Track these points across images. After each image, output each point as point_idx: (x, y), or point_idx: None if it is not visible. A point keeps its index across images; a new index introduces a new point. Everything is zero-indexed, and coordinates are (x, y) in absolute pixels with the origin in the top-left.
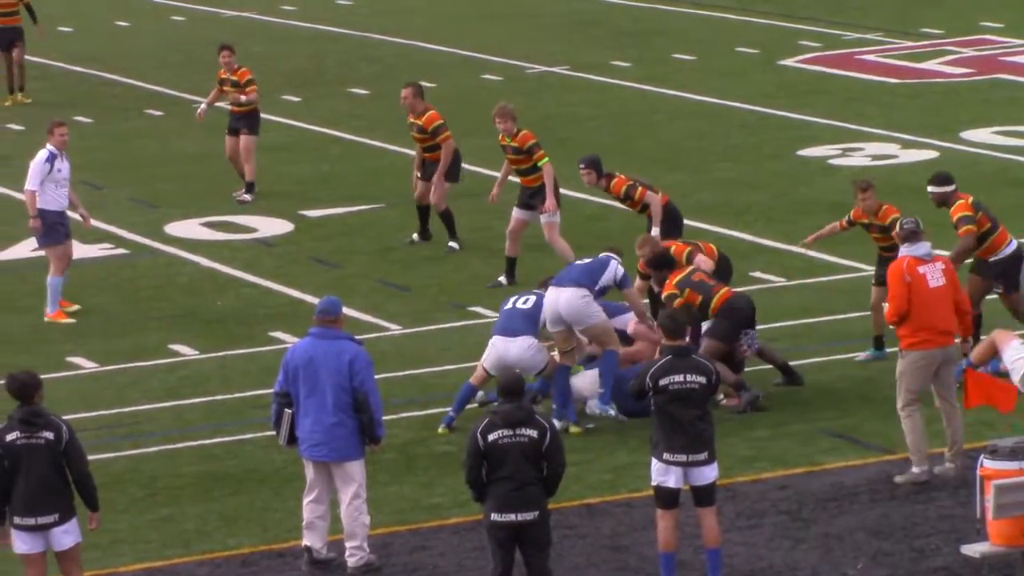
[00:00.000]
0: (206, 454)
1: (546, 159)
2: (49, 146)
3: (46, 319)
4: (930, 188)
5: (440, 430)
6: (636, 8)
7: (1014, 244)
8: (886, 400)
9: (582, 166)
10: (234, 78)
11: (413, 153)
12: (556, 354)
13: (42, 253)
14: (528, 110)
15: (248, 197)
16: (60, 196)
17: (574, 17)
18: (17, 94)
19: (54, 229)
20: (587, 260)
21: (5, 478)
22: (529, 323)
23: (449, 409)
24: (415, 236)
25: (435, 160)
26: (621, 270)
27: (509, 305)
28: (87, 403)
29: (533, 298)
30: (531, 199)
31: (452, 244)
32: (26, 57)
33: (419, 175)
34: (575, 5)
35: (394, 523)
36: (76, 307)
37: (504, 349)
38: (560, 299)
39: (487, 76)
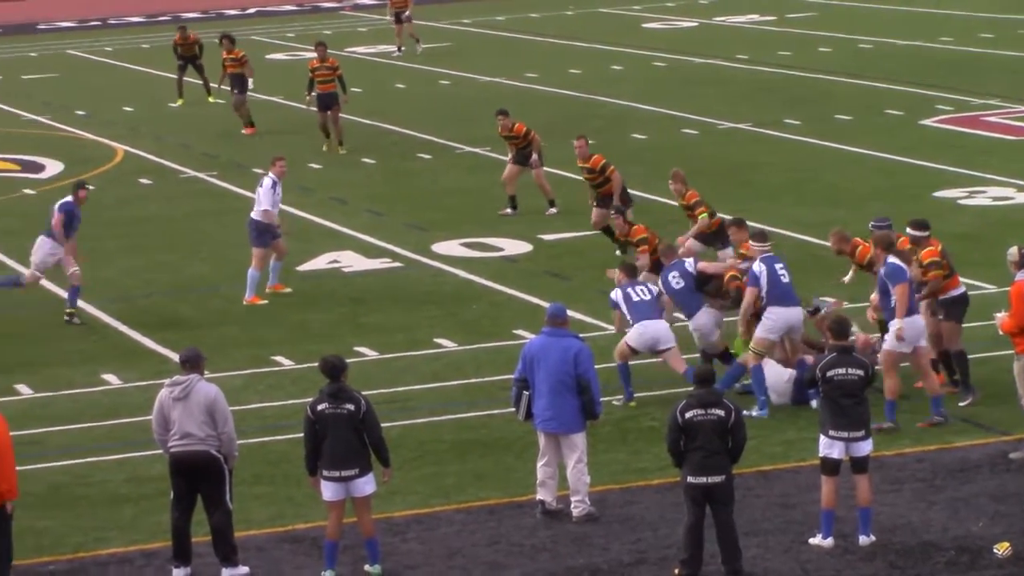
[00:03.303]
0: (463, 425)
1: (704, 214)
2: (271, 174)
3: (244, 303)
4: (909, 231)
5: (631, 404)
6: (806, 78)
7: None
8: (1005, 393)
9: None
10: (513, 135)
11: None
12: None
13: (339, 264)
14: (717, 158)
15: (553, 212)
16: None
17: (757, 84)
18: (336, 146)
19: (264, 235)
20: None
21: (317, 439)
22: (658, 309)
23: (625, 388)
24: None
25: (608, 193)
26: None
27: (636, 298)
28: (370, 383)
29: (648, 288)
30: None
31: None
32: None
33: (595, 204)
34: (758, 75)
35: (609, 482)
36: (288, 290)
37: (655, 329)
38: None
39: (686, 130)
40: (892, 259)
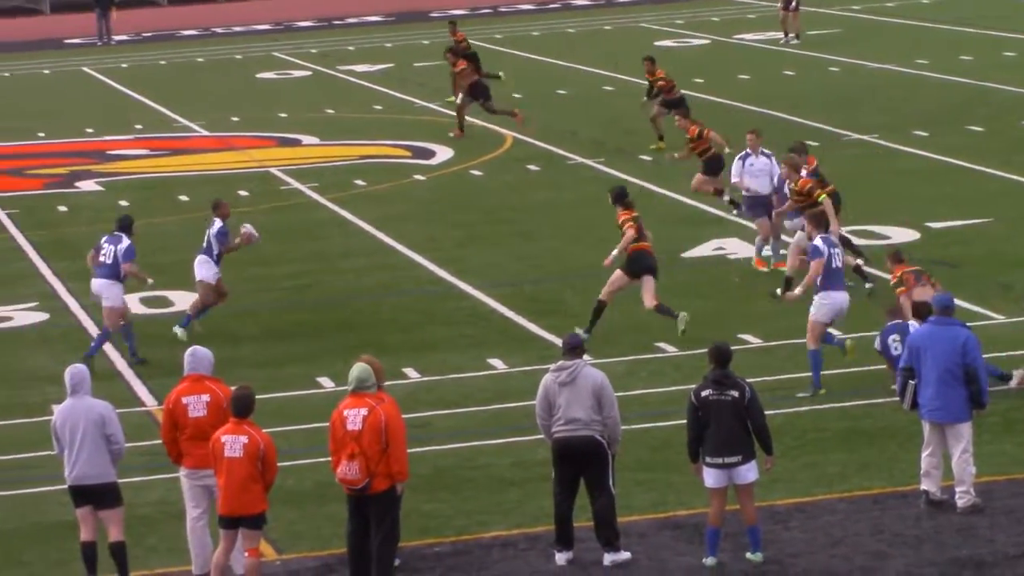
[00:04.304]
0: (846, 414)
1: (823, 196)
2: (748, 149)
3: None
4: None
5: (821, 391)
6: None
7: None
8: None
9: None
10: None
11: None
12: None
13: (724, 251)
14: None
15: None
16: (759, 185)
17: None
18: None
19: (757, 207)
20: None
21: (700, 426)
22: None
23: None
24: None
25: (712, 158)
26: None
27: (835, 264)
28: (753, 371)
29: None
30: None
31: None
32: (711, 98)
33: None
34: None
35: (995, 473)
36: (764, 268)
37: (843, 299)
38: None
39: None
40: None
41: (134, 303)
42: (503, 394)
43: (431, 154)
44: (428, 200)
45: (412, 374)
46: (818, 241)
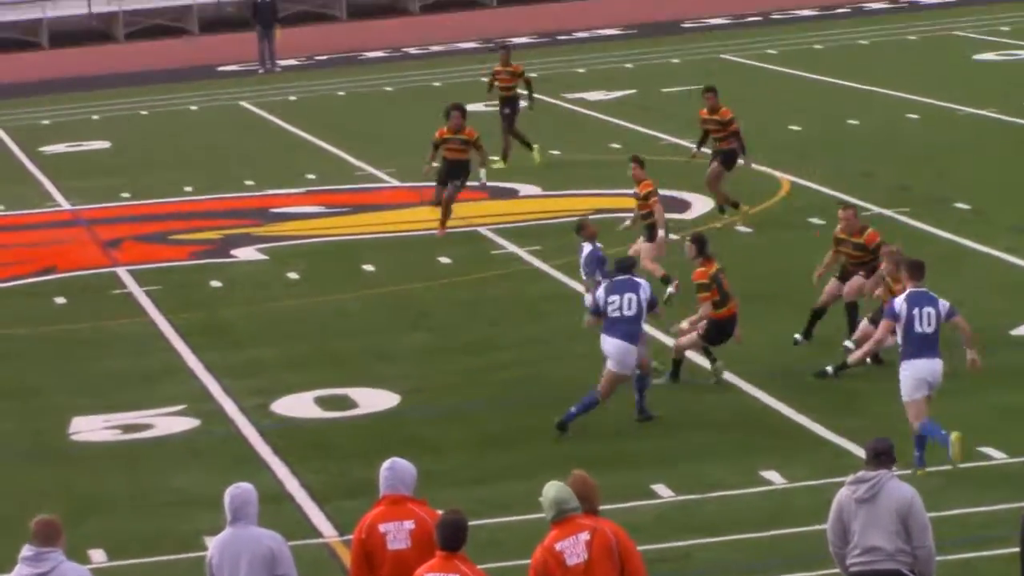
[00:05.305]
0: None
1: None
2: None
3: None
4: None
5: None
6: None
7: None
8: None
9: None
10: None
11: None
12: None
13: None
14: None
15: None
16: None
17: None
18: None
19: None
20: None
21: None
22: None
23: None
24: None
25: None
26: None
27: (919, 330)
28: None
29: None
30: None
31: None
32: None
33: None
34: None
35: None
36: None
37: (934, 368)
38: None
39: None
40: None
41: (308, 403)
42: (780, 516)
43: (686, 206)
44: (683, 265)
45: (663, 492)
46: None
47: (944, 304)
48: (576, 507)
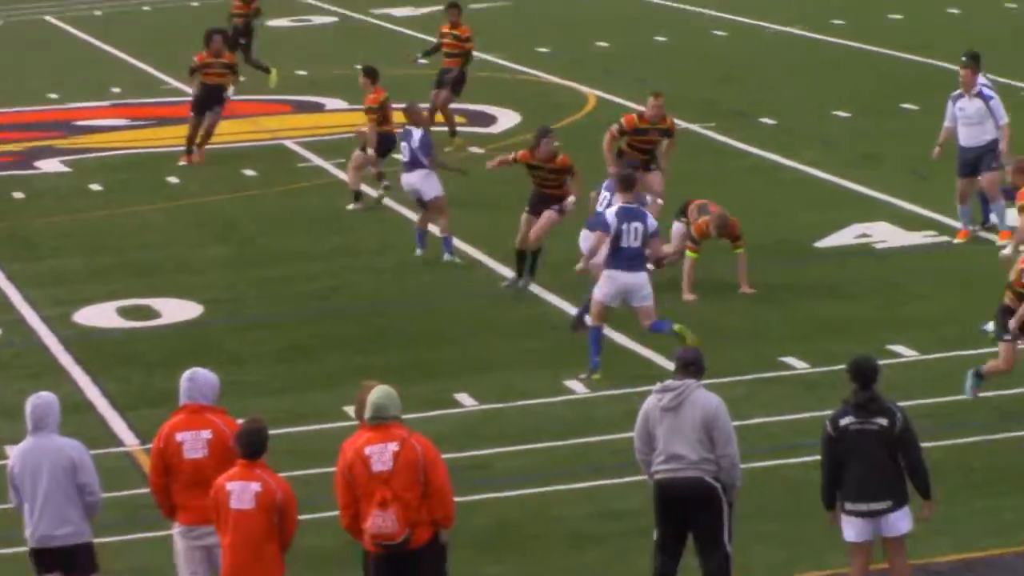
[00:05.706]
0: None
1: None
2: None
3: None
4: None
5: None
6: None
7: None
8: None
9: None
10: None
11: None
12: None
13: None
14: None
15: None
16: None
17: None
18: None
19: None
20: None
21: (837, 464)
22: None
23: None
24: None
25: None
26: None
27: None
28: (906, 391)
29: None
30: None
31: None
32: (854, 44)
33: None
34: None
35: None
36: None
37: None
38: None
39: None
40: None
41: (110, 313)
42: (584, 426)
43: (491, 120)
44: (488, 180)
45: (467, 401)
46: None
47: (652, 223)
48: (395, 416)
